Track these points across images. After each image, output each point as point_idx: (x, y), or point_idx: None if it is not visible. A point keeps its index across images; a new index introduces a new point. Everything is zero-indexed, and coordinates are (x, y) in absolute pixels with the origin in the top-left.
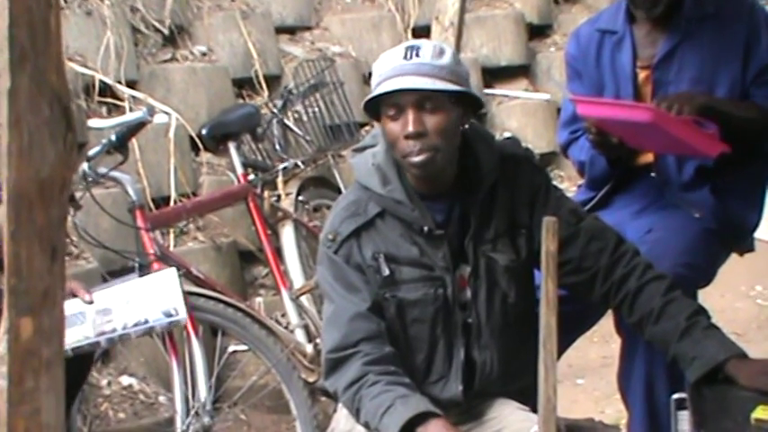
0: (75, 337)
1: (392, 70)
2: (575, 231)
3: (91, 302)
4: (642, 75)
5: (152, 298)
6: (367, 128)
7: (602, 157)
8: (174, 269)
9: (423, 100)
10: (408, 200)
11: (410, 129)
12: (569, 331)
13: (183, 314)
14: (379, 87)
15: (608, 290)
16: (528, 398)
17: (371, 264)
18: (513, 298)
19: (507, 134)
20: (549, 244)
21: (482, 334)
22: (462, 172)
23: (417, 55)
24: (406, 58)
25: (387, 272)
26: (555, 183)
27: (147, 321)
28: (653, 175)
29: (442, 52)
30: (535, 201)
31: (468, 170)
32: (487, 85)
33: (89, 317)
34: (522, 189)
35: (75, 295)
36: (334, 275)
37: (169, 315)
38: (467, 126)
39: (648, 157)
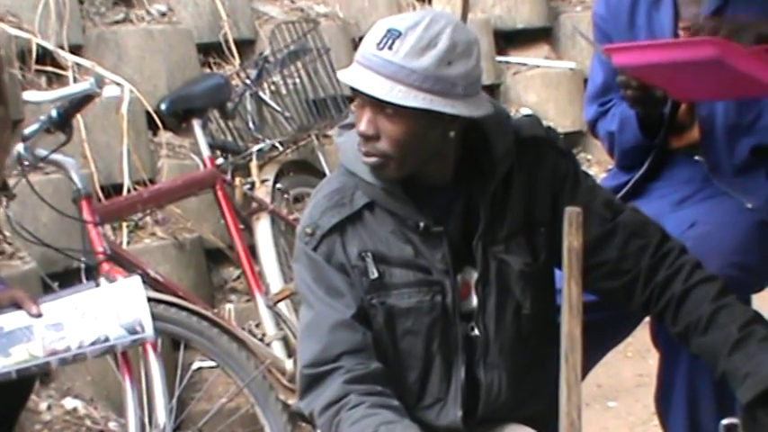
0: (20, 356)
1: (362, 56)
2: (611, 228)
3: (39, 316)
4: (685, 37)
5: (112, 311)
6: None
7: (634, 123)
8: (137, 277)
9: (381, 102)
10: (402, 190)
11: (360, 127)
12: (598, 344)
13: (149, 331)
14: (349, 68)
15: (649, 295)
16: (543, 426)
17: (357, 264)
18: (528, 308)
19: (525, 110)
20: (571, 239)
21: (489, 350)
22: (469, 157)
23: (391, 47)
24: (379, 46)
25: (375, 274)
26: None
27: (107, 339)
28: (697, 158)
29: (426, 48)
30: (560, 192)
31: (477, 155)
32: (501, 52)
33: (37, 333)
34: (543, 178)
35: (19, 306)
36: (314, 276)
37: (133, 332)
38: (452, 134)
39: (691, 137)
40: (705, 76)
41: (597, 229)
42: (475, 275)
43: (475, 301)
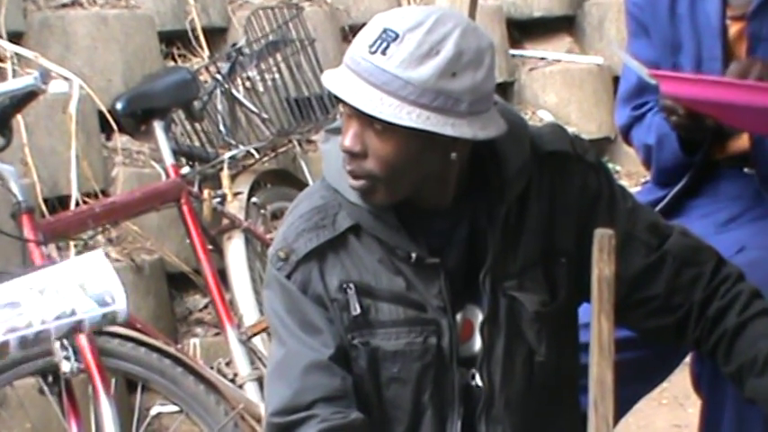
0: None
1: (351, 58)
2: (659, 257)
3: None
4: (734, 28)
5: (76, 284)
6: None
7: (674, 140)
8: (99, 250)
9: (370, 116)
10: (393, 213)
11: (344, 143)
12: (630, 389)
13: (122, 305)
14: (336, 70)
15: (701, 331)
16: None
17: (337, 297)
18: (543, 355)
19: (543, 114)
20: (602, 266)
21: (493, 403)
22: (476, 174)
23: (385, 52)
24: (371, 49)
25: (357, 309)
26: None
27: (73, 312)
28: (746, 170)
29: (427, 56)
30: (590, 216)
31: (486, 171)
32: (515, 45)
33: None
34: (567, 199)
35: None
36: (287, 307)
37: (104, 303)
38: (454, 155)
39: (739, 146)
40: (764, 114)
41: (642, 259)
42: (479, 315)
43: (478, 345)
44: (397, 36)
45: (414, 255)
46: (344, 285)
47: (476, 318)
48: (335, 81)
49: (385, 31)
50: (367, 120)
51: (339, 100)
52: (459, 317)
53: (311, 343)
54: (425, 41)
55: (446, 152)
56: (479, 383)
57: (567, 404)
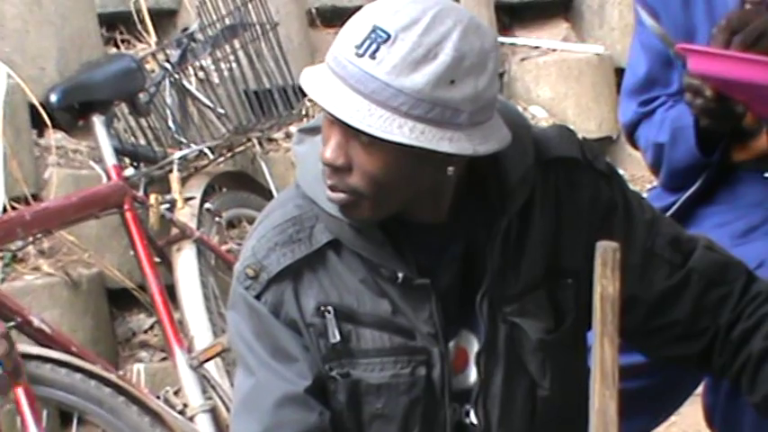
0: None
1: (334, 59)
2: (684, 277)
3: None
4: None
5: None
6: None
7: (691, 135)
8: None
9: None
10: (378, 228)
11: (325, 154)
12: (635, 421)
13: None
14: (316, 70)
15: (726, 357)
16: None
17: (314, 321)
18: (546, 388)
19: (536, 110)
20: (606, 283)
21: None
22: (474, 183)
23: (374, 55)
24: (359, 51)
25: (337, 336)
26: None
27: None
28: (767, 175)
29: (423, 61)
30: (602, 230)
31: (485, 180)
32: (505, 31)
33: None
34: (575, 212)
35: None
36: (256, 331)
37: None
38: (451, 170)
39: (759, 147)
40: None
41: (665, 280)
42: (475, 343)
43: (473, 377)
44: (389, 37)
45: (400, 274)
46: (322, 308)
47: (471, 346)
48: (316, 85)
49: (374, 30)
50: (352, 130)
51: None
52: (452, 345)
53: (284, 373)
54: (421, 44)
55: (441, 167)
56: (474, 421)
57: None
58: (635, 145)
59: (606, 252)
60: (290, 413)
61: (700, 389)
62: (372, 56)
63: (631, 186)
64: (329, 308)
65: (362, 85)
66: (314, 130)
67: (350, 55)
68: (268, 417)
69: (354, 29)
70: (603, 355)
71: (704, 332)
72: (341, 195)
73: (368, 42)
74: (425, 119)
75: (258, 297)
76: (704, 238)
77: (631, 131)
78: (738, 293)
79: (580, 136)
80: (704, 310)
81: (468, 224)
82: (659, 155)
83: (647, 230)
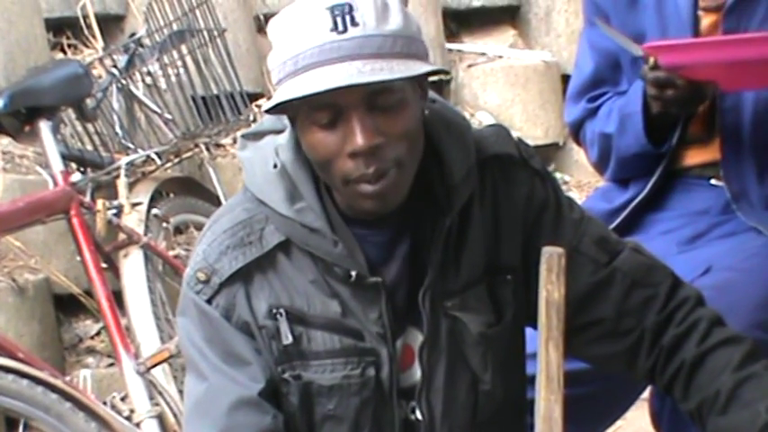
0: None
1: (319, 52)
2: (607, 276)
3: None
4: (707, 20)
5: None
6: (262, 101)
7: (639, 122)
8: None
9: (373, 96)
10: (329, 227)
11: (360, 142)
12: (580, 426)
13: None
14: (296, 81)
15: (654, 362)
16: None
17: (266, 324)
18: (488, 383)
19: (483, 116)
20: (551, 288)
21: None
22: (418, 184)
23: (354, 22)
24: (337, 29)
25: (289, 338)
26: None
27: None
28: (714, 182)
29: (386, 7)
30: (535, 227)
31: (428, 181)
32: (452, 38)
33: None
34: (512, 210)
35: None
36: (207, 336)
37: None
38: (426, 112)
39: (708, 153)
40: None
41: (589, 277)
42: (420, 339)
43: (419, 373)
44: (351, 5)
45: (353, 273)
46: (274, 311)
47: (416, 342)
48: (325, 79)
49: (332, 9)
50: (370, 103)
51: (322, 104)
52: (399, 343)
53: (237, 377)
54: (374, 0)
55: (422, 109)
56: (420, 417)
57: None
58: (580, 143)
59: (552, 258)
60: (244, 417)
61: (646, 393)
62: (353, 23)
63: (577, 192)
64: (281, 310)
65: (367, 47)
66: (256, 135)
67: (334, 36)
68: (222, 421)
69: (313, 24)
70: (548, 359)
71: (628, 333)
72: (383, 182)
73: (339, 19)
74: (412, 54)
75: (209, 301)
76: (633, 242)
77: (577, 129)
78: (664, 297)
79: (528, 142)
80: (628, 310)
81: (414, 223)
82: (607, 145)
83: (574, 229)
